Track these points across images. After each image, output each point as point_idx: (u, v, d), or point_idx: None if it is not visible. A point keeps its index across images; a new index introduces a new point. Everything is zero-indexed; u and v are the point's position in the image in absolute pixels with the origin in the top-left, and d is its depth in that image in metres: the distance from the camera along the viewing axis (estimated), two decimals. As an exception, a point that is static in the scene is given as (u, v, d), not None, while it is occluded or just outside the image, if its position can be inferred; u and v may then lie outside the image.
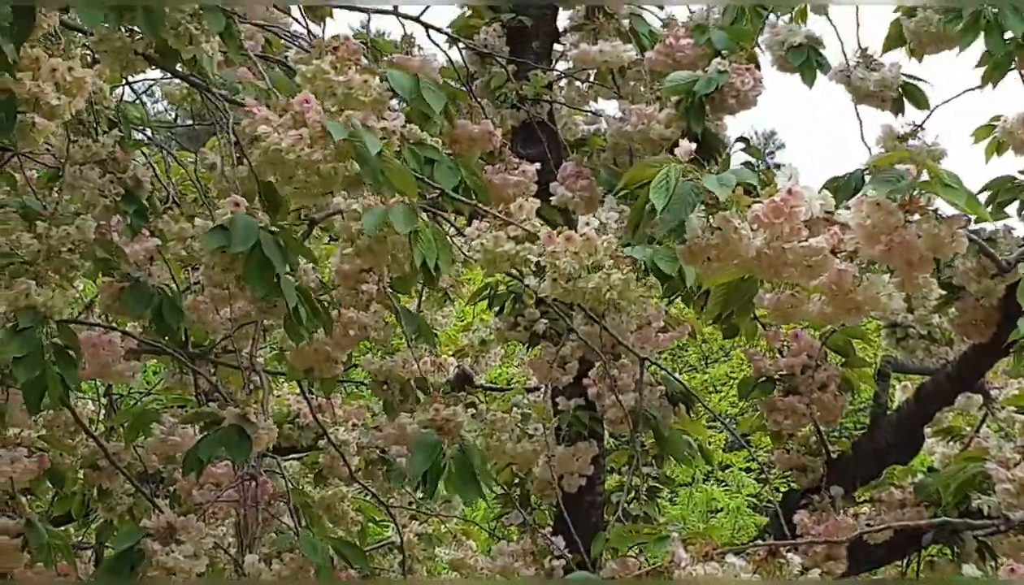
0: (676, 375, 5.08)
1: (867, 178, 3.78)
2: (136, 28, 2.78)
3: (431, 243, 2.72)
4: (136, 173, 3.19)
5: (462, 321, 6.88)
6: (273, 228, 2.79)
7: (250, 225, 2.72)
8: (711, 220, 2.32)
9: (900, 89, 3.90)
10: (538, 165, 3.75)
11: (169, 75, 3.53)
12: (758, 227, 2.33)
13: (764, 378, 3.97)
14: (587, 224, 2.70)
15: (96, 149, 3.11)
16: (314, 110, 2.63)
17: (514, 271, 3.64)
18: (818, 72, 3.87)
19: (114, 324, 3.70)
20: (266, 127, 2.61)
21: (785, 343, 3.97)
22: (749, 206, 2.34)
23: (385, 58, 3.69)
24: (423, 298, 4.06)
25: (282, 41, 4.12)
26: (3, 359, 2.88)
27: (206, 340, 3.92)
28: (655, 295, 2.75)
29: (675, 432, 3.95)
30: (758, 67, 3.69)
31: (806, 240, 2.33)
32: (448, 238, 2.91)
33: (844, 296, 2.46)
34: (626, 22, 3.91)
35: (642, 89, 4.08)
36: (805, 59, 3.82)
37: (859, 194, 2.36)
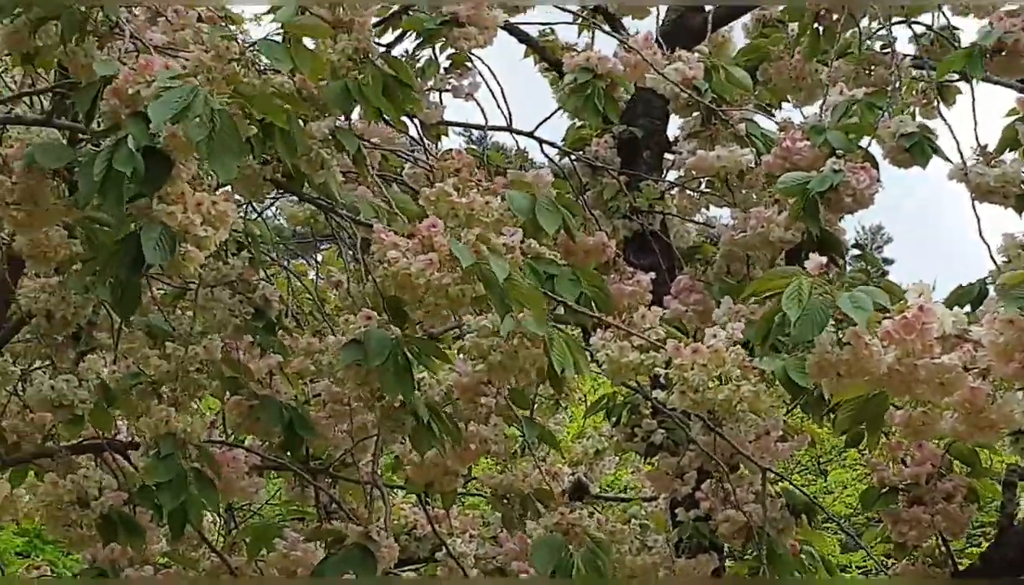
0: (792, 482, 5.00)
1: (992, 289, 3.76)
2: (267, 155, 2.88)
3: (565, 350, 2.74)
4: (265, 292, 3.26)
5: (571, 421, 6.87)
6: (404, 339, 2.84)
7: (383, 337, 2.79)
8: (841, 335, 2.32)
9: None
10: (652, 274, 3.76)
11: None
12: (889, 343, 2.32)
13: (887, 488, 3.89)
14: (714, 336, 2.71)
15: (226, 271, 3.20)
16: (441, 234, 2.69)
17: (635, 382, 3.65)
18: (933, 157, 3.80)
19: (236, 441, 3.76)
20: (395, 252, 2.66)
21: (908, 452, 3.89)
22: (879, 321, 2.33)
23: (498, 174, 3.75)
24: (535, 406, 4.07)
25: (398, 157, 4.21)
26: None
27: (324, 454, 3.97)
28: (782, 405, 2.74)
29: (788, 556, 3.86)
30: (875, 166, 3.66)
31: (939, 357, 2.31)
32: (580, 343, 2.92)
33: (978, 414, 2.42)
34: (741, 127, 3.92)
35: (754, 195, 4.08)
36: (917, 142, 3.74)
37: (990, 311, 2.33)
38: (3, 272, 3.33)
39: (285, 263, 4.32)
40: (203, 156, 2.37)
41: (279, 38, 2.90)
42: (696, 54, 3.87)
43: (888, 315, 2.34)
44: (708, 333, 2.72)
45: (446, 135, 4.28)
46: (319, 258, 5.71)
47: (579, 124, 4.73)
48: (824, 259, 2.39)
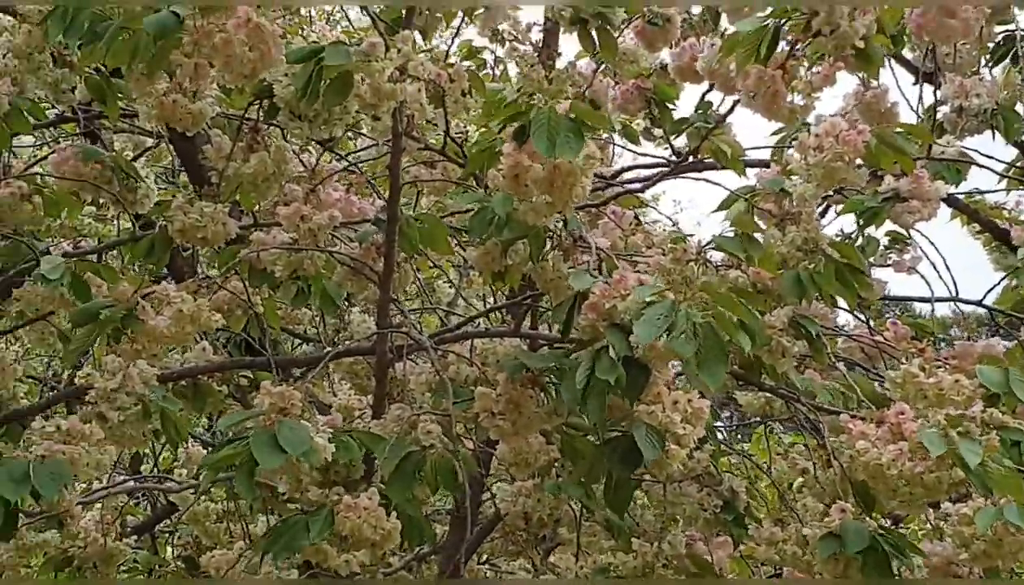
0: None
1: None
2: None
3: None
4: (731, 484, 3.29)
5: None
6: (880, 531, 2.80)
7: (860, 530, 2.75)
8: None
9: None
10: None
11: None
12: None
13: None
14: None
15: (692, 465, 3.25)
16: (910, 421, 2.65)
17: None
18: None
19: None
20: (864, 443, 2.66)
21: None
22: None
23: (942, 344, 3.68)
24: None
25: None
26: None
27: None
28: None
29: None
30: None
31: None
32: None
33: None
34: None
35: None
36: None
37: None
38: (479, 476, 3.51)
39: (744, 453, 4.34)
40: (693, 371, 2.44)
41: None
42: None
43: None
44: None
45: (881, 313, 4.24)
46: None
47: (1014, 284, 4.57)
48: None
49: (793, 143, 3.11)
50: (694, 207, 13.99)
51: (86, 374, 3.16)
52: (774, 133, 3.62)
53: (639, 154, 4.20)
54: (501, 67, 4.68)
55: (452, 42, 3.88)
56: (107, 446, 2.86)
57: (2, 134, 3.52)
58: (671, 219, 3.65)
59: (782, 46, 2.73)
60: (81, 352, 3.52)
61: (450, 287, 5.22)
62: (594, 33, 3.35)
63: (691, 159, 3.64)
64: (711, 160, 3.80)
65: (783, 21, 2.69)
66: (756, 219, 3.16)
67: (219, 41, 2.76)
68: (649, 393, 2.60)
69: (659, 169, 4.08)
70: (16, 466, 2.63)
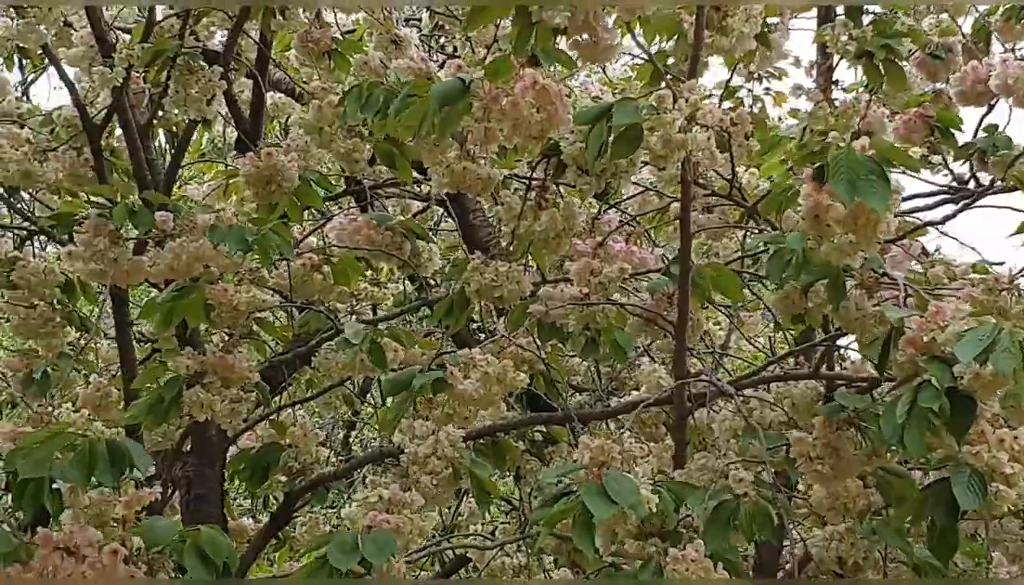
0: None
1: None
2: None
3: None
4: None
5: None
6: None
7: None
8: None
9: None
10: None
11: None
12: None
13: None
14: None
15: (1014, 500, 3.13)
16: None
17: None
18: None
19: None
20: None
21: None
22: None
23: None
24: None
25: None
26: None
27: None
28: None
29: None
30: None
31: None
32: None
33: None
34: None
35: None
36: None
37: None
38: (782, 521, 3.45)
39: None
40: (1020, 393, 2.34)
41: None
42: None
43: None
44: None
45: None
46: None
47: None
48: None
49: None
50: (954, 231, 13.48)
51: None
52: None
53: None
54: (759, 105, 4.63)
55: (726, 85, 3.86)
56: (428, 512, 2.91)
57: (295, 209, 3.66)
58: (973, 248, 3.52)
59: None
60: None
61: (720, 329, 5.16)
62: (880, 65, 3.28)
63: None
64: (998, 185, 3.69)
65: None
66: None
67: (507, 105, 2.82)
68: (974, 433, 2.51)
69: (940, 197, 3.97)
70: (346, 538, 2.70)
